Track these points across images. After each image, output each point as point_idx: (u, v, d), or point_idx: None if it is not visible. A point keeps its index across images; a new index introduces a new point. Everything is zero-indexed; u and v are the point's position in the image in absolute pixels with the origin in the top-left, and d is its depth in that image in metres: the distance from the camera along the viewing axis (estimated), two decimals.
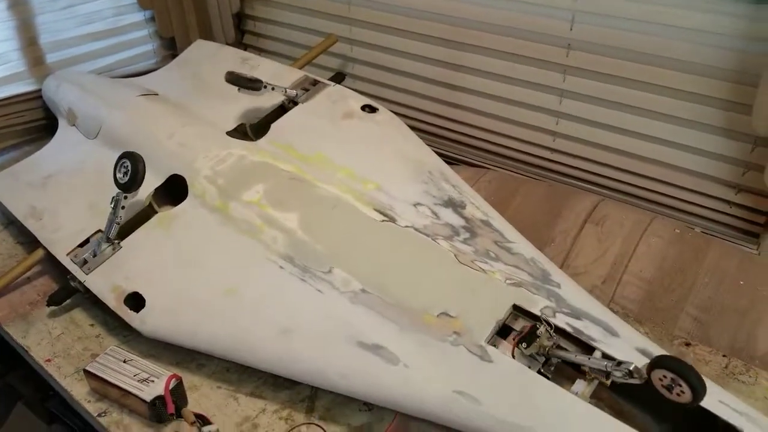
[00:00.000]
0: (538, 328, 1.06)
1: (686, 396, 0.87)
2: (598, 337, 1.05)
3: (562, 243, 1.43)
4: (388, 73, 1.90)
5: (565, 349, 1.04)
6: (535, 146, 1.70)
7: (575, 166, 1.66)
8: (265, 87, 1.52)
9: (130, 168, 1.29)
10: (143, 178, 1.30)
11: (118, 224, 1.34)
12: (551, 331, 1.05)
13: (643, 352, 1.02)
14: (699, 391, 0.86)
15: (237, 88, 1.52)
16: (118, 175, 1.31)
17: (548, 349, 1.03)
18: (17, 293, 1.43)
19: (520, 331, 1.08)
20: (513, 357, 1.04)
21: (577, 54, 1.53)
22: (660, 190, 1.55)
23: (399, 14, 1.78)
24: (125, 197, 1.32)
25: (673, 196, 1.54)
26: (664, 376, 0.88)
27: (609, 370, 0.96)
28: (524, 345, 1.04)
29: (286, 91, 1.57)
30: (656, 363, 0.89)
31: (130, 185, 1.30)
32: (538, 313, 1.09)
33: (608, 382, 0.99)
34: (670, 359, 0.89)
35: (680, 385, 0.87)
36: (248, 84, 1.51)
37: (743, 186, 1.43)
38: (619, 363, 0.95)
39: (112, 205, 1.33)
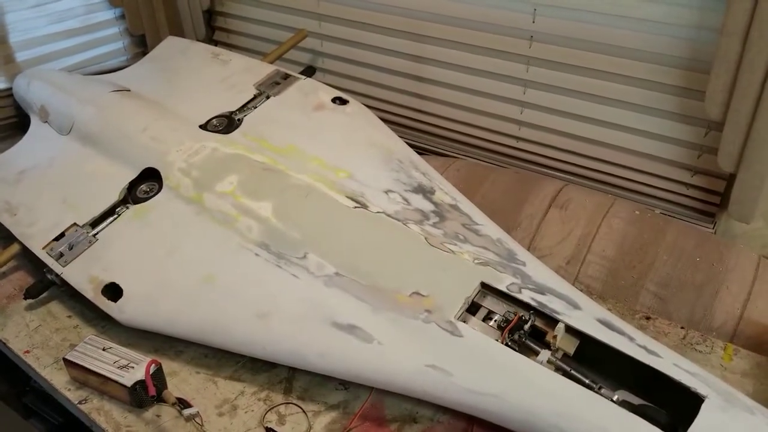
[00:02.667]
0: (526, 322, 1.10)
1: None
2: (561, 310, 1.10)
3: (529, 227, 1.48)
4: (358, 67, 1.94)
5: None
6: (501, 135, 1.76)
7: (540, 154, 1.72)
8: (239, 120, 1.56)
9: (156, 190, 1.40)
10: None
11: (111, 222, 1.39)
12: (534, 322, 1.11)
13: (604, 323, 1.08)
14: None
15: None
16: (139, 190, 1.42)
17: (527, 335, 1.10)
18: None
19: (507, 319, 1.12)
20: (505, 345, 1.08)
21: (539, 45, 1.58)
22: (620, 174, 1.61)
23: (367, 9, 1.82)
24: (127, 207, 1.41)
25: (633, 179, 1.60)
26: None
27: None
28: (516, 335, 1.09)
29: (255, 108, 1.60)
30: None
31: (142, 201, 1.40)
32: (505, 290, 1.14)
33: (572, 352, 1.05)
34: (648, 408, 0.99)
35: None
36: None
37: (699, 168, 1.50)
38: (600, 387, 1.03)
39: (118, 212, 1.41)
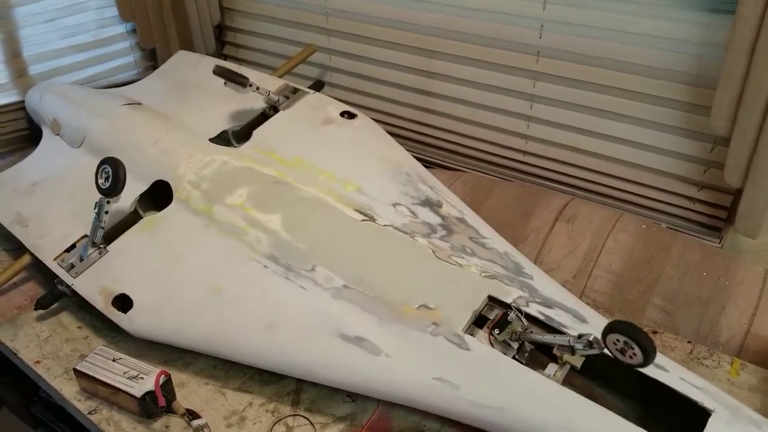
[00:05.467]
0: (508, 315, 1.11)
1: (638, 358, 0.90)
2: (569, 324, 1.11)
3: (535, 240, 1.49)
4: (366, 81, 1.96)
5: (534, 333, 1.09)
6: (508, 149, 1.77)
7: (546, 168, 1.73)
8: (251, 86, 1.57)
9: (111, 173, 1.31)
10: (124, 182, 1.32)
11: (103, 228, 1.37)
12: (522, 317, 1.11)
13: None
14: (649, 352, 0.89)
15: (223, 81, 1.57)
16: (100, 181, 1.33)
17: (520, 334, 1.09)
18: (4, 298, 1.45)
19: (493, 319, 1.14)
20: (491, 345, 1.09)
21: (546, 61, 1.60)
22: (627, 188, 1.62)
23: (375, 24, 1.84)
24: (108, 202, 1.34)
25: (639, 194, 1.61)
26: (617, 340, 0.92)
27: (572, 344, 1.00)
28: (497, 331, 1.10)
29: (269, 94, 1.61)
30: (610, 328, 0.92)
31: (112, 190, 1.32)
32: (522, 309, 1.15)
33: (578, 365, 1.05)
34: (622, 323, 0.92)
35: (632, 348, 0.90)
36: (235, 78, 1.56)
37: (705, 183, 1.50)
38: (580, 336, 1.00)
39: (96, 211, 1.36)
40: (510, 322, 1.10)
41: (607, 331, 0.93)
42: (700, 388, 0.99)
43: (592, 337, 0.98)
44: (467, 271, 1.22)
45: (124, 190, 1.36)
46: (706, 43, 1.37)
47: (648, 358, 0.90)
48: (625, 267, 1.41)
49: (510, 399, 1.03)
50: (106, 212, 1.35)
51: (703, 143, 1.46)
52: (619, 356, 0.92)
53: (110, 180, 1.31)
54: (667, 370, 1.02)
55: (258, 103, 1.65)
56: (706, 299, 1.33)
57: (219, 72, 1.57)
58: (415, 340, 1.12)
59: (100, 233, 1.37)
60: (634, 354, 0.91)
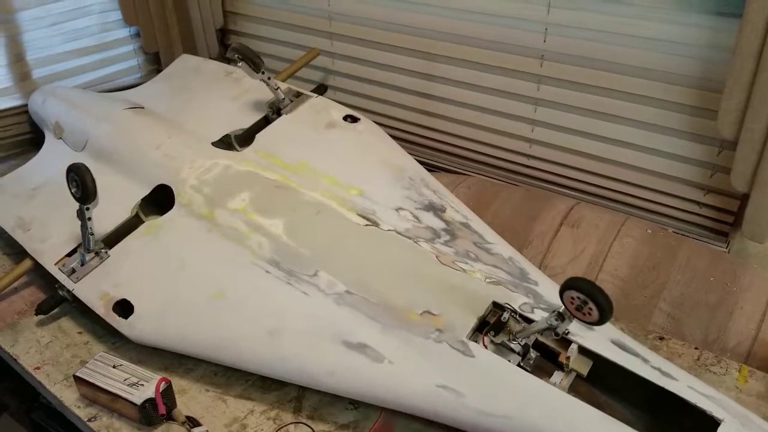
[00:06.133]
0: (503, 316, 1.10)
1: (594, 314, 0.89)
2: (575, 331, 1.09)
3: (540, 245, 1.48)
4: (369, 85, 1.95)
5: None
6: (512, 153, 1.75)
7: (551, 171, 1.72)
8: (263, 72, 1.57)
9: (79, 180, 1.28)
10: (95, 185, 1.29)
11: (92, 235, 1.35)
12: (517, 317, 1.09)
13: (617, 344, 1.07)
14: (604, 308, 0.87)
15: (237, 60, 1.56)
16: (72, 190, 1.31)
17: (518, 334, 1.07)
18: (5, 303, 1.45)
19: (491, 323, 1.12)
20: (484, 347, 1.08)
21: (550, 64, 1.59)
22: (632, 192, 1.60)
23: (378, 28, 1.83)
24: (87, 208, 1.32)
25: (645, 198, 1.59)
26: (573, 297, 0.90)
27: (549, 322, 0.99)
28: (492, 333, 1.08)
29: (278, 88, 1.60)
30: (566, 285, 0.90)
31: (86, 196, 1.29)
32: (516, 309, 1.13)
33: (585, 373, 1.03)
34: (578, 280, 0.90)
35: (587, 304, 0.89)
36: (252, 58, 1.55)
37: (712, 187, 1.49)
38: (552, 311, 0.99)
39: (79, 219, 1.34)
40: (505, 323, 1.08)
41: (563, 289, 0.90)
42: (709, 397, 0.98)
43: (562, 308, 0.96)
44: (471, 277, 1.20)
45: (125, 194, 1.36)
46: (712, 47, 1.36)
47: (604, 314, 0.87)
48: (631, 272, 1.39)
49: (515, 407, 1.01)
50: (89, 218, 1.34)
51: (709, 147, 1.45)
52: (577, 315, 0.90)
53: (80, 187, 1.29)
54: (676, 379, 1.01)
55: (261, 107, 1.65)
56: (714, 305, 1.32)
57: (237, 48, 1.56)
58: (418, 347, 1.11)
59: (91, 240, 1.36)
60: (591, 310, 0.89)
